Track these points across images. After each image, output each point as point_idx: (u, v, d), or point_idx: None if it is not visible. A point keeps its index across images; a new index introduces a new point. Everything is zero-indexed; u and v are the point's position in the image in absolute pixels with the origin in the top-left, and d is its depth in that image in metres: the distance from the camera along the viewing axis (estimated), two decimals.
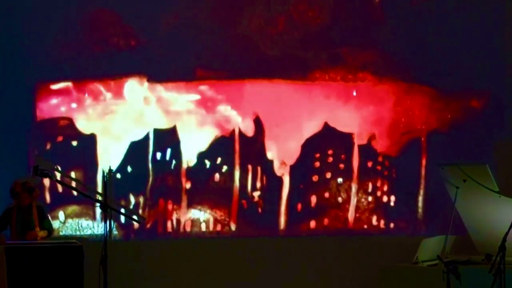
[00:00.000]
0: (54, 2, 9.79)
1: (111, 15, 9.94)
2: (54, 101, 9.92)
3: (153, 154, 10.03)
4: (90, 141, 9.95)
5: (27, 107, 9.85)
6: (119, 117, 10.00)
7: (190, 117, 10.06)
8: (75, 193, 9.02)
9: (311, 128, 10.19)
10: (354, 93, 10.22)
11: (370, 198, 10.22)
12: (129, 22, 9.93)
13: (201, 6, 10.01)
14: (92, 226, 9.97)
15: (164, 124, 10.05)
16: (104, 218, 7.28)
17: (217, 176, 10.10)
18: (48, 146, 9.88)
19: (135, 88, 10.00)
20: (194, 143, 10.07)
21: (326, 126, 10.19)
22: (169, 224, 10.08)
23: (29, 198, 8.34)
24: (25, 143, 9.83)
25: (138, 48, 9.95)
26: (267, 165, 10.16)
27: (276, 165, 10.17)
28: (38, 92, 9.91)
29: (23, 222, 8.31)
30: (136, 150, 10.01)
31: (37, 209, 8.40)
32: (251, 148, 10.16)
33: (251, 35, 10.14)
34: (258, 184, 10.15)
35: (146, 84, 10.02)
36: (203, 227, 10.12)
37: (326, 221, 10.19)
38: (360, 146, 10.21)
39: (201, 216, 10.12)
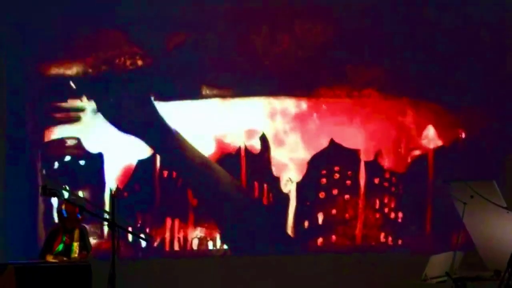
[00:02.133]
0: (61, 22, 9.84)
1: (117, 35, 10.00)
2: (62, 120, 9.96)
3: (160, 173, 10.05)
4: (97, 160, 9.98)
5: (36, 127, 9.90)
6: (126, 136, 10.03)
7: (197, 135, 10.08)
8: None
9: (317, 145, 10.19)
10: (360, 110, 10.23)
11: (377, 215, 10.22)
12: (136, 42, 10.00)
13: (206, 25, 10.06)
14: (100, 245, 9.97)
15: (171, 142, 10.08)
16: (112, 236, 7.26)
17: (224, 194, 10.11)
18: (56, 166, 9.92)
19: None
20: (200, 160, 10.09)
21: (332, 143, 10.20)
22: (176, 242, 10.07)
23: (76, 221, 8.37)
24: (33, 162, 9.87)
25: (144, 67, 10.00)
26: (274, 182, 10.16)
27: (282, 182, 10.17)
28: (46, 111, 9.96)
29: (66, 245, 8.35)
30: (143, 168, 10.03)
31: (80, 232, 8.43)
32: (258, 165, 10.17)
33: (256, 53, 10.17)
34: (265, 201, 10.15)
35: (153, 102, 10.07)
36: (210, 245, 10.11)
37: (333, 238, 10.18)
38: (366, 163, 10.21)
39: (207, 234, 10.11)
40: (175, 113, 10.10)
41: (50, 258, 8.26)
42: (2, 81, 9.76)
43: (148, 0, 9.97)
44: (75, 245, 8.32)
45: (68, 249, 8.33)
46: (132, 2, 9.93)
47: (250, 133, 10.16)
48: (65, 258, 8.26)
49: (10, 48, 9.85)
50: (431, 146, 10.23)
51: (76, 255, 8.29)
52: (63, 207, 8.39)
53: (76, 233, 8.38)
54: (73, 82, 10.01)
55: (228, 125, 10.14)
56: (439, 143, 10.24)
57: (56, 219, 9.16)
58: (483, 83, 10.16)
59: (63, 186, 8.87)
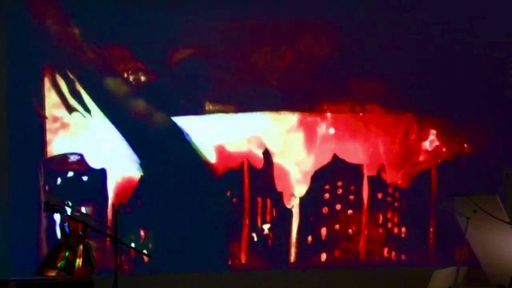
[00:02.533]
0: (67, 37, 9.89)
1: (121, 51, 10.04)
2: (64, 136, 9.98)
3: (164, 188, 10.04)
4: (100, 176, 9.98)
5: (38, 143, 9.91)
6: (129, 151, 10.03)
7: (200, 150, 10.09)
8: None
9: (320, 159, 10.19)
10: (362, 125, 10.23)
11: (380, 230, 10.19)
12: (139, 57, 10.03)
13: (209, 40, 10.07)
14: (102, 261, 9.96)
15: (175, 157, 10.08)
16: (114, 252, 7.25)
17: (227, 208, 10.11)
18: (59, 181, 9.93)
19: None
20: (203, 176, 10.09)
21: (335, 158, 10.19)
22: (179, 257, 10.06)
23: (79, 238, 8.34)
24: (36, 178, 9.87)
25: (148, 82, 10.03)
26: (277, 198, 10.16)
27: (285, 197, 10.16)
28: (49, 127, 9.98)
29: (68, 261, 8.31)
30: (147, 184, 10.03)
31: (84, 248, 8.39)
32: (260, 181, 10.16)
33: (259, 68, 10.19)
34: (268, 217, 10.14)
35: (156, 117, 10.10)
36: (213, 259, 10.11)
37: (337, 253, 10.16)
38: (369, 178, 10.20)
39: (211, 249, 10.10)
40: (179, 128, 10.12)
41: (50, 273, 8.21)
42: (3, 90, 9.79)
43: (152, 15, 9.98)
44: (78, 261, 8.30)
45: (70, 265, 8.30)
46: (135, 18, 9.95)
47: (253, 148, 10.15)
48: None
49: (13, 63, 9.89)
50: (434, 161, 10.22)
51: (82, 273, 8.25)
52: (66, 223, 8.37)
53: (79, 250, 8.35)
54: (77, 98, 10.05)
55: (231, 140, 10.13)
56: (442, 157, 10.23)
57: (59, 235, 9.14)
58: (486, 97, 10.16)
59: (66, 202, 8.88)
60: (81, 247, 8.37)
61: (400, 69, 10.21)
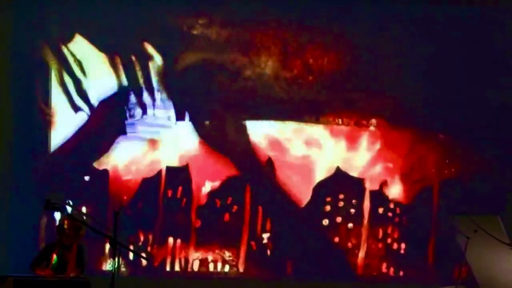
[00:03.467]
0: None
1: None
2: (68, 135, 10.01)
3: (164, 192, 10.06)
4: (102, 176, 9.99)
5: (42, 141, 9.93)
6: (132, 154, 10.05)
7: (202, 156, 10.09)
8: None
9: (323, 171, 10.18)
10: (367, 139, 10.22)
11: (380, 245, 10.18)
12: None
13: (217, 49, 10.10)
14: (101, 262, 9.96)
15: (176, 163, 10.08)
16: (113, 254, 7.24)
17: (227, 216, 10.10)
18: (61, 180, 9.95)
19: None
20: (205, 182, 10.09)
21: (338, 171, 10.18)
22: (177, 262, 10.06)
23: (74, 237, 8.30)
24: (38, 177, 9.89)
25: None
26: (278, 207, 10.14)
27: (286, 207, 10.16)
28: (53, 126, 10.01)
29: (61, 261, 8.28)
30: (148, 187, 10.04)
31: (78, 248, 8.36)
32: (263, 190, 10.15)
33: (266, 79, 10.20)
34: (268, 226, 10.13)
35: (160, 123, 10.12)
36: (211, 267, 10.09)
37: (335, 266, 10.13)
38: (371, 192, 10.19)
39: (209, 256, 10.10)
40: (181, 134, 10.13)
41: (41, 272, 8.18)
42: (8, 88, 9.83)
43: (159, 22, 10.02)
44: (71, 261, 8.25)
45: (63, 264, 8.26)
46: (140, 28, 10.02)
47: (256, 158, 10.15)
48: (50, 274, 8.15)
49: (19, 61, 9.92)
50: (437, 178, 10.20)
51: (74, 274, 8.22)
52: (64, 221, 8.34)
53: (74, 249, 8.32)
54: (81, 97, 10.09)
55: (235, 149, 10.14)
56: (445, 175, 10.21)
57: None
58: (492, 116, 10.14)
59: (67, 201, 8.87)
60: (75, 246, 8.33)
61: (407, 85, 10.21)
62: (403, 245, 10.17)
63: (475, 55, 10.14)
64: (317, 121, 10.21)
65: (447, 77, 10.19)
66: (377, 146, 10.22)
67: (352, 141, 10.22)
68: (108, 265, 9.89)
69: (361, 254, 10.14)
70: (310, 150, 10.17)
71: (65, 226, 8.28)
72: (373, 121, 10.23)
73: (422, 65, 10.18)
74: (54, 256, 8.28)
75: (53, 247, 8.36)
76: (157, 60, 10.10)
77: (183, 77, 10.09)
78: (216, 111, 10.13)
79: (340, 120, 10.23)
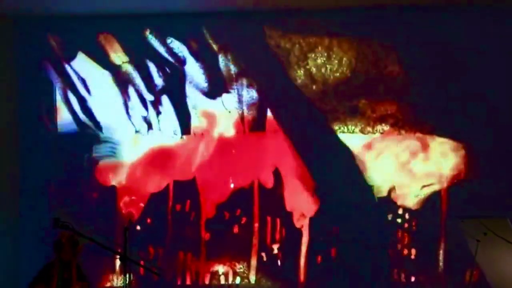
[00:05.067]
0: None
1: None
2: (76, 150, 10.05)
3: (173, 206, 10.08)
4: (110, 193, 10.02)
5: (49, 160, 9.97)
6: (139, 169, 10.08)
7: (210, 169, 10.11)
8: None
9: (330, 179, 10.17)
10: (373, 145, 10.22)
11: (390, 251, 10.15)
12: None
13: (220, 60, 10.14)
14: (112, 278, 9.97)
15: (184, 176, 10.11)
16: (124, 270, 7.24)
17: (236, 228, 10.11)
18: (69, 198, 9.98)
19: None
20: (213, 195, 10.10)
21: (345, 178, 10.18)
22: (188, 276, 10.06)
23: (72, 252, 8.27)
24: (46, 195, 9.92)
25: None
26: (286, 217, 10.15)
27: (295, 217, 10.16)
28: (61, 141, 10.05)
29: (64, 279, 8.25)
30: (156, 201, 10.06)
31: (77, 266, 8.35)
32: (270, 200, 10.16)
33: (270, 87, 10.22)
34: (278, 236, 10.13)
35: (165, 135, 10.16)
36: (222, 279, 10.09)
37: (346, 274, 10.11)
38: (379, 199, 10.18)
39: (220, 269, 10.10)
40: (188, 147, 10.16)
41: None
42: (15, 107, 9.86)
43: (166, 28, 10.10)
44: (74, 279, 8.23)
45: (67, 283, 8.23)
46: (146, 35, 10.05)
47: (263, 168, 10.16)
48: None
49: (25, 81, 9.97)
50: (445, 183, 10.19)
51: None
52: (63, 236, 8.30)
53: (73, 267, 8.29)
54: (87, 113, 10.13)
55: (241, 159, 10.15)
56: (453, 180, 10.19)
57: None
58: (499, 119, 10.13)
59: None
60: (74, 264, 8.30)
61: (412, 90, 10.21)
62: (413, 251, 10.15)
63: (480, 53, 10.12)
64: (322, 129, 10.22)
65: (452, 80, 10.18)
66: (383, 152, 10.22)
67: (357, 148, 10.22)
68: (119, 282, 9.90)
69: (372, 261, 10.12)
70: (315, 158, 10.17)
71: (63, 241, 8.24)
72: (378, 127, 10.23)
73: (426, 68, 10.17)
74: (56, 277, 8.22)
75: (51, 266, 8.32)
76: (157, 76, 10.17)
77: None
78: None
79: (345, 127, 10.23)
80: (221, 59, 10.16)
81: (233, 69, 10.16)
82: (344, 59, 10.22)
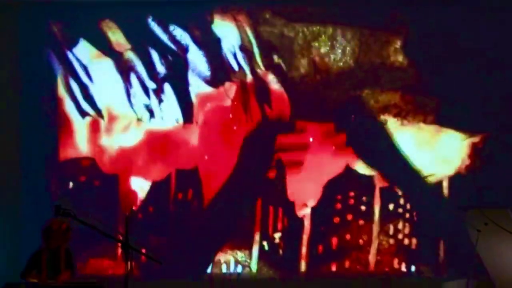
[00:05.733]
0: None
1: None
2: (77, 140, 10.03)
3: (175, 195, 10.08)
4: (112, 181, 10.02)
5: (50, 147, 9.97)
6: (142, 157, 10.08)
7: (212, 158, 10.11)
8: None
9: (333, 170, 10.17)
10: (376, 135, 10.22)
11: (391, 241, 10.16)
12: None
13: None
14: (113, 266, 9.99)
15: (186, 165, 10.11)
16: (125, 258, 7.25)
17: (238, 217, 10.11)
18: (71, 186, 9.98)
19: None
20: (215, 183, 10.11)
21: (348, 168, 10.17)
22: (189, 265, 10.07)
23: (61, 239, 8.27)
24: (48, 183, 9.92)
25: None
26: (288, 207, 10.15)
27: (297, 206, 10.16)
28: (61, 131, 10.04)
29: (53, 266, 8.26)
30: (158, 190, 10.06)
31: (66, 252, 8.35)
32: (273, 190, 10.16)
33: (272, 78, 10.21)
34: (279, 226, 10.13)
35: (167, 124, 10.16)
36: (224, 268, 10.10)
37: (347, 263, 10.14)
38: (381, 189, 10.18)
39: (221, 257, 10.11)
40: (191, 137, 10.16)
41: (32, 278, 8.15)
42: (17, 94, 9.87)
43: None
44: (63, 266, 8.23)
45: (56, 270, 8.24)
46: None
47: (266, 158, 10.16)
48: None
49: (27, 67, 9.97)
50: (447, 173, 10.18)
51: (66, 277, 8.20)
52: (52, 223, 8.29)
53: (62, 252, 8.29)
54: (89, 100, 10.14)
55: (245, 149, 10.14)
56: (455, 170, 10.18)
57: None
58: (502, 110, 10.10)
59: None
60: (63, 250, 8.30)
61: (415, 80, 10.20)
62: (414, 241, 10.16)
63: (484, 44, 10.10)
64: (325, 119, 10.21)
65: (455, 70, 10.16)
66: (386, 142, 10.21)
67: (360, 139, 10.21)
68: (120, 269, 9.92)
69: (373, 250, 10.13)
70: (318, 149, 10.16)
71: (54, 228, 8.23)
72: (381, 117, 10.22)
73: (429, 58, 10.16)
74: (45, 264, 8.22)
75: (40, 254, 8.33)
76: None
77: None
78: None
79: (348, 117, 10.23)
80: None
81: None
82: (348, 48, 10.20)
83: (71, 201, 9.49)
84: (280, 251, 10.12)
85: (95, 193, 10.01)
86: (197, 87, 10.16)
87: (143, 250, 8.71)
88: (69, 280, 8.12)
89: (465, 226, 7.83)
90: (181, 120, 10.15)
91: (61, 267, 8.24)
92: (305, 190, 10.15)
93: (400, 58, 10.20)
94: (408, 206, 10.15)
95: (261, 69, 10.18)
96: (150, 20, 10.12)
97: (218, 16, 10.14)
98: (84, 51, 10.09)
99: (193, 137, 10.12)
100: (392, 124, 10.19)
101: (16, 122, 9.88)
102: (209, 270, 10.07)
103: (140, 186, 10.06)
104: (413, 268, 10.14)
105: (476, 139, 10.17)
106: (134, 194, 10.05)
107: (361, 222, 10.15)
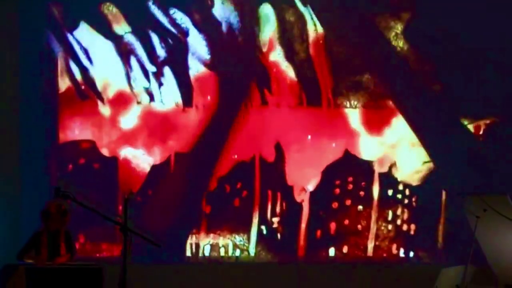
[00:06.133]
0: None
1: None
2: (76, 123, 10.02)
3: (174, 178, 10.07)
4: (111, 164, 10.02)
5: (50, 130, 9.95)
6: (141, 140, 10.07)
7: (211, 142, 10.11)
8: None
9: (332, 154, 10.18)
10: (375, 121, 10.22)
11: (390, 227, 10.18)
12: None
13: (226, 32, 10.11)
14: (112, 249, 10.00)
15: (185, 149, 10.10)
16: (124, 240, 7.25)
17: (237, 201, 10.12)
18: (70, 168, 9.98)
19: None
20: (215, 167, 10.10)
21: (347, 153, 10.18)
22: (188, 248, 10.08)
23: (60, 221, 8.30)
24: (47, 165, 9.91)
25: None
26: (287, 191, 10.16)
27: (296, 191, 10.17)
28: (61, 114, 10.02)
29: (53, 248, 8.29)
30: (157, 173, 10.06)
31: (65, 234, 8.38)
32: (272, 174, 10.17)
33: (274, 63, 10.19)
34: (278, 210, 10.15)
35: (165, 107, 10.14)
36: (222, 252, 10.12)
37: (345, 248, 10.16)
38: (380, 174, 10.18)
39: (220, 241, 10.12)
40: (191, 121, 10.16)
41: (28, 259, 8.18)
42: (16, 76, 9.85)
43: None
44: (62, 248, 8.26)
45: (53, 251, 8.26)
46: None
47: (264, 142, 10.16)
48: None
49: (26, 49, 9.94)
50: (445, 159, 10.19)
51: (65, 260, 8.22)
52: (50, 205, 8.31)
53: (62, 235, 8.32)
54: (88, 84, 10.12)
55: (243, 133, 10.14)
56: (453, 156, 10.19)
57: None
58: (499, 94, 10.11)
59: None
60: (63, 232, 8.33)
61: (414, 66, 10.20)
62: (412, 226, 10.18)
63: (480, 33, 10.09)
64: (325, 104, 10.20)
65: (454, 57, 10.16)
66: (385, 127, 10.21)
67: (360, 124, 10.21)
68: (119, 252, 9.93)
69: (371, 236, 10.15)
70: (318, 134, 10.16)
71: (52, 210, 8.27)
72: (381, 103, 10.22)
73: (428, 45, 10.15)
74: (46, 246, 8.24)
75: (40, 235, 8.35)
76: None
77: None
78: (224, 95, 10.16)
79: (348, 102, 10.22)
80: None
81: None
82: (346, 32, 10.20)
83: (71, 183, 9.46)
84: (279, 236, 10.14)
85: (95, 176, 10.01)
86: (197, 71, 10.14)
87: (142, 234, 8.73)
88: (67, 262, 8.15)
89: (464, 213, 7.84)
90: (180, 104, 10.13)
91: (61, 250, 8.26)
92: (304, 175, 10.16)
93: (400, 43, 10.20)
94: (407, 192, 10.16)
95: (261, 52, 10.16)
96: (150, 3, 10.09)
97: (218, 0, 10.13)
98: (84, 34, 10.05)
99: (193, 120, 10.10)
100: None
101: (16, 104, 9.85)
102: (207, 254, 10.08)
103: (139, 168, 10.05)
104: (411, 254, 10.17)
105: (475, 125, 10.18)
106: (133, 176, 10.04)
107: (359, 207, 10.16)
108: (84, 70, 10.07)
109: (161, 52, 10.12)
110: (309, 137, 10.14)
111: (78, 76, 10.07)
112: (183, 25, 10.14)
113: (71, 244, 8.39)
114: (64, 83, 10.03)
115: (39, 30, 9.97)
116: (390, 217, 10.18)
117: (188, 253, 10.08)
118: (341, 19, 10.20)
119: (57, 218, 8.27)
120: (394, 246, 10.18)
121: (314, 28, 10.19)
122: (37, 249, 8.26)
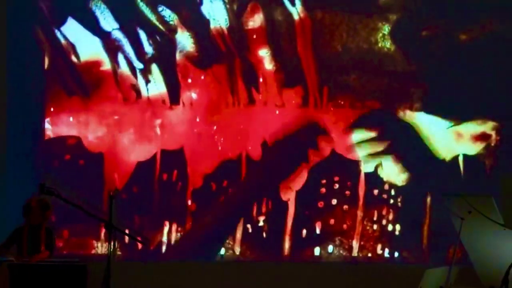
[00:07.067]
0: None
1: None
2: (63, 119, 9.99)
3: (160, 176, 10.06)
4: (97, 160, 9.99)
5: (36, 125, 9.92)
6: (127, 137, 10.05)
7: (198, 140, 10.10)
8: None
9: (318, 154, 10.18)
10: (362, 121, 10.23)
11: (375, 226, 10.20)
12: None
13: (214, 30, 10.11)
14: (96, 246, 9.98)
15: (172, 146, 10.09)
16: (108, 238, 7.24)
17: (222, 199, 10.11)
18: (56, 164, 9.95)
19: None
20: (200, 165, 10.09)
21: (333, 153, 10.19)
22: (173, 245, 10.07)
23: (41, 216, 8.28)
24: (33, 161, 9.88)
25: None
26: (273, 190, 10.16)
27: (282, 190, 10.17)
28: (47, 110, 9.99)
29: (33, 243, 8.26)
30: (143, 170, 10.04)
31: (46, 230, 8.35)
32: (258, 172, 10.16)
33: (261, 61, 10.20)
34: (263, 209, 10.14)
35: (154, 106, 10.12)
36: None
37: (330, 248, 10.17)
38: (366, 174, 10.20)
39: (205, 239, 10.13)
40: (178, 117, 10.13)
41: (7, 255, 8.15)
42: (3, 73, 9.81)
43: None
44: (43, 243, 8.24)
45: (36, 247, 8.24)
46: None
47: (251, 140, 10.16)
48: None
49: (13, 46, 9.90)
50: (432, 160, 10.22)
51: (43, 257, 8.19)
52: (32, 200, 8.29)
53: (43, 232, 8.30)
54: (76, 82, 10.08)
55: (230, 132, 10.14)
56: (440, 157, 10.22)
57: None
58: (488, 97, 10.14)
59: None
60: (44, 229, 8.30)
61: (402, 65, 10.21)
62: (397, 227, 10.20)
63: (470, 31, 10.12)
64: (312, 103, 10.21)
65: (444, 56, 10.18)
66: (372, 127, 10.23)
67: (347, 123, 10.23)
68: (103, 249, 9.91)
69: (357, 236, 10.17)
70: (304, 133, 10.17)
71: (33, 204, 8.25)
72: (368, 102, 10.23)
73: (416, 44, 10.17)
74: (26, 241, 8.21)
75: (21, 231, 8.33)
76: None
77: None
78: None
79: (335, 102, 10.23)
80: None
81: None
82: (336, 33, 10.20)
83: (56, 179, 9.43)
84: (264, 234, 10.14)
85: (80, 172, 9.98)
86: (185, 68, 10.13)
87: (127, 231, 8.72)
88: (45, 260, 8.11)
89: (448, 214, 7.86)
90: (167, 101, 10.12)
91: (42, 247, 8.23)
92: (290, 174, 10.16)
93: (388, 44, 10.21)
94: (392, 192, 10.18)
95: (249, 51, 10.16)
96: (138, 0, 10.07)
97: None
98: (72, 29, 10.02)
99: (179, 118, 10.09)
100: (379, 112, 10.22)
101: (3, 99, 9.81)
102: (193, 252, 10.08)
103: (125, 165, 10.03)
104: (396, 254, 10.19)
105: (460, 126, 10.22)
106: (119, 173, 10.02)
107: (345, 207, 10.18)
108: (71, 66, 10.04)
109: (148, 49, 10.10)
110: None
111: (65, 71, 10.05)
112: (171, 22, 10.13)
113: (52, 241, 8.36)
114: (51, 79, 10.00)
115: (26, 25, 9.94)
116: (375, 217, 10.19)
117: (173, 251, 10.07)
118: (330, 18, 10.19)
119: (38, 212, 8.26)
120: (379, 246, 10.20)
121: (302, 27, 10.18)
122: (18, 244, 8.24)
